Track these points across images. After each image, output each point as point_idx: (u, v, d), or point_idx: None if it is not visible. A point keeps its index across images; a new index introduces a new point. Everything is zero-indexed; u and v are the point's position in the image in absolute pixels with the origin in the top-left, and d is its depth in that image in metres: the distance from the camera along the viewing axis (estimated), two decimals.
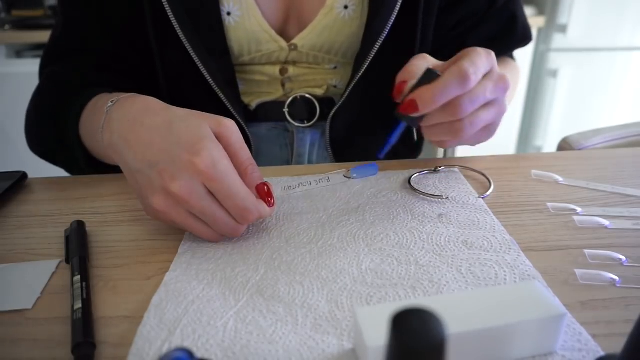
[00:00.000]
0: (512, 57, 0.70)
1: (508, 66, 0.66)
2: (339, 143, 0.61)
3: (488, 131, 0.44)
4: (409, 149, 0.68)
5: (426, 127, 0.43)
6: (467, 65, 0.38)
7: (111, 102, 0.42)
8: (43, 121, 0.54)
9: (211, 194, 0.35)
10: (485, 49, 0.41)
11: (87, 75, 0.55)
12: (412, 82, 0.41)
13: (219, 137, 0.37)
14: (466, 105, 0.39)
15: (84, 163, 0.51)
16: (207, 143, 0.35)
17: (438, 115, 0.41)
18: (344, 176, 0.46)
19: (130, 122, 0.38)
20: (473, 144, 0.46)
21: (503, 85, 0.41)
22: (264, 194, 0.38)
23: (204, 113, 0.38)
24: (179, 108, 0.39)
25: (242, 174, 0.37)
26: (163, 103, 0.40)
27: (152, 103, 0.40)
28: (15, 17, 1.63)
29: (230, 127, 0.37)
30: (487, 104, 0.42)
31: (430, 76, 0.39)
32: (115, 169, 0.47)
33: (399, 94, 0.41)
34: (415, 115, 0.40)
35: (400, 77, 0.42)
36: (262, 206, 0.37)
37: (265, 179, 0.39)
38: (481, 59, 0.40)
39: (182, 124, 0.36)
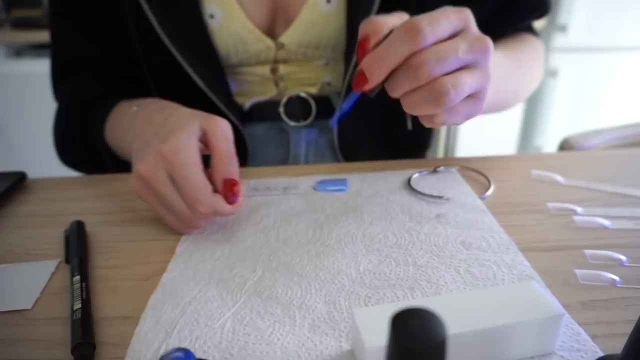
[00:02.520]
0: (532, 31, 0.62)
1: (523, 42, 0.58)
2: (349, 144, 0.60)
3: (476, 101, 0.36)
4: (416, 144, 0.67)
5: (403, 98, 0.35)
6: (420, 18, 0.31)
7: (136, 106, 0.46)
8: (70, 137, 0.59)
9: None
10: (457, 7, 0.34)
11: (99, 88, 0.58)
12: (376, 40, 0.33)
13: (205, 132, 0.38)
14: (431, 63, 0.32)
15: (113, 169, 0.55)
16: (180, 133, 0.37)
17: (402, 79, 0.33)
18: (312, 188, 0.46)
19: (145, 120, 0.42)
20: (462, 121, 0.39)
21: (482, 47, 0.34)
22: (228, 189, 0.38)
23: (204, 113, 0.41)
24: (188, 109, 0.42)
25: (216, 164, 0.38)
26: (177, 105, 0.44)
27: (168, 104, 0.44)
28: (15, 17, 1.63)
29: (218, 122, 0.39)
30: (468, 67, 0.34)
31: None
32: None
33: (363, 53, 0.34)
34: (368, 88, 0.34)
35: (363, 31, 0.34)
36: (218, 202, 0.37)
37: (257, 180, 0.39)
38: (445, 14, 0.33)
39: (175, 120, 0.39)
